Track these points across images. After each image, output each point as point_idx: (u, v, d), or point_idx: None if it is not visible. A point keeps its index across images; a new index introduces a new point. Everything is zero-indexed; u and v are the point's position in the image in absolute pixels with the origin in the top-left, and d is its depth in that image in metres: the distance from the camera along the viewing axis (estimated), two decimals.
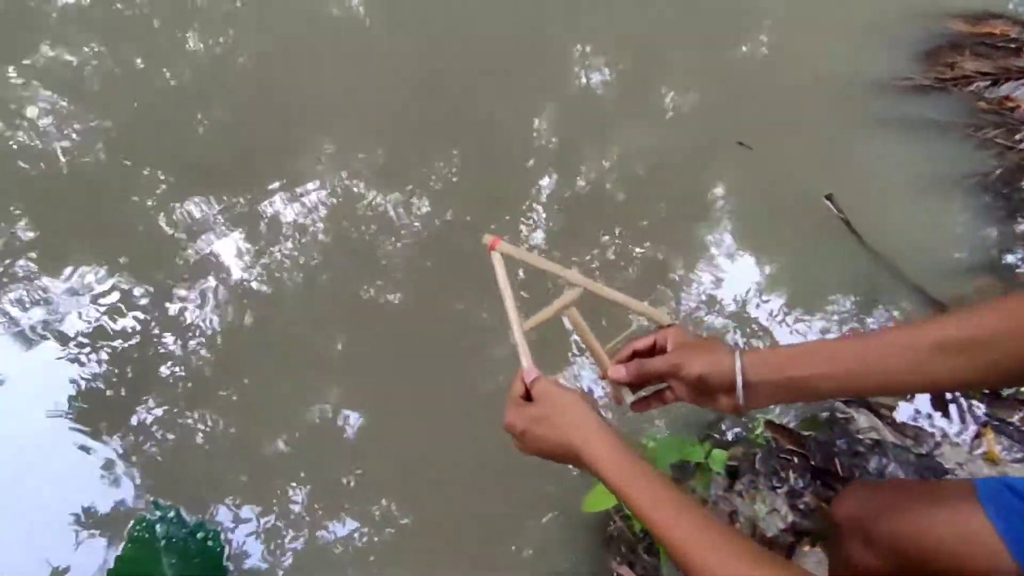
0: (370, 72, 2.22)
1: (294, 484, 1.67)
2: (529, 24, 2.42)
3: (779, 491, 1.53)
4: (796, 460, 1.59)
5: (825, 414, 1.72)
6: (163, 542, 1.40)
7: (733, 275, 2.14)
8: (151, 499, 1.52)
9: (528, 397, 0.86)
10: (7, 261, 1.72)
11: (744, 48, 2.60)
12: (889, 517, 0.86)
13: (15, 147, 1.81)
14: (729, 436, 1.73)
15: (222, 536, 1.49)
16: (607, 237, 2.12)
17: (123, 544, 1.42)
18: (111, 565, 1.39)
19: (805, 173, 2.22)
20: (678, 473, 1.58)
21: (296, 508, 1.65)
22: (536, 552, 1.59)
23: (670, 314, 0.93)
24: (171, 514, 1.44)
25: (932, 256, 2.04)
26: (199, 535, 1.45)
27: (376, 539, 1.66)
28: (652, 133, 2.32)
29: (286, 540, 1.62)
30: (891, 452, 1.54)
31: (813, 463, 1.58)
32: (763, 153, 2.23)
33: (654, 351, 0.90)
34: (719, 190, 2.24)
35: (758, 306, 2.10)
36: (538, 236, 2.07)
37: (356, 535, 1.65)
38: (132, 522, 1.47)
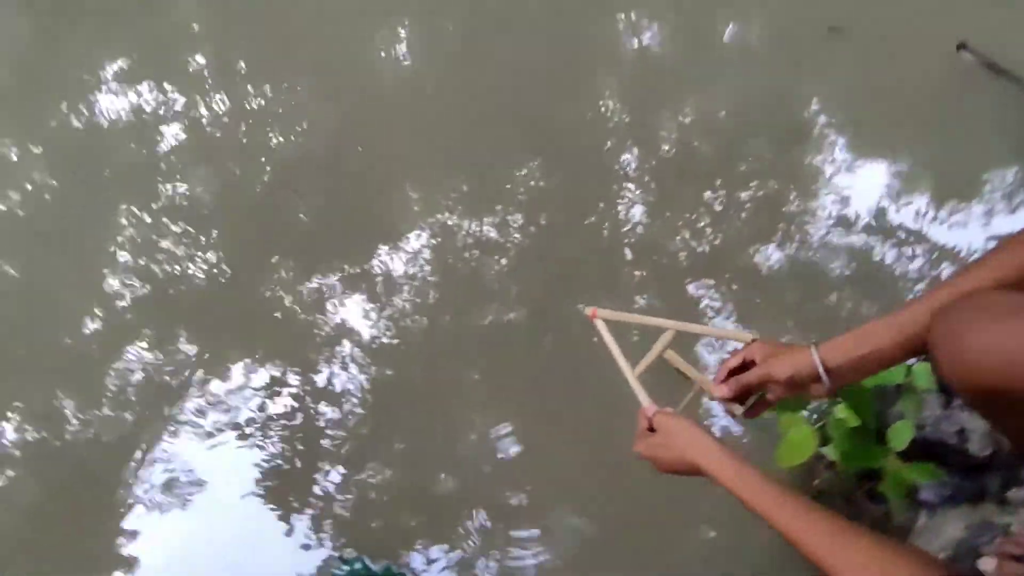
0: (433, 116, 2.30)
1: (471, 514, 1.71)
2: (563, 24, 2.40)
3: None
4: None
5: None
6: None
7: (858, 188, 1.96)
8: (336, 555, 1.63)
9: (652, 428, 1.07)
10: (183, 376, 1.94)
11: None
12: (992, 328, 0.82)
13: (161, 276, 2.05)
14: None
15: None
16: (709, 193, 2.02)
17: None
18: None
19: (917, 38, 1.99)
20: (880, 403, 1.42)
21: (476, 536, 1.69)
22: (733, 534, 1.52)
23: (750, 331, 1.21)
24: (358, 566, 1.52)
25: None
26: None
27: (561, 553, 1.65)
28: (722, 73, 2.20)
29: (475, 569, 1.65)
30: None
31: None
32: (861, 32, 2.02)
33: (745, 366, 1.06)
34: (815, 105, 2.07)
35: (898, 211, 1.90)
36: (636, 212, 2.01)
37: (540, 552, 1.65)
38: None
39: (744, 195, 1.98)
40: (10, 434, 1.87)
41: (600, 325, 1.26)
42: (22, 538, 1.77)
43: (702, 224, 1.96)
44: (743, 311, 1.86)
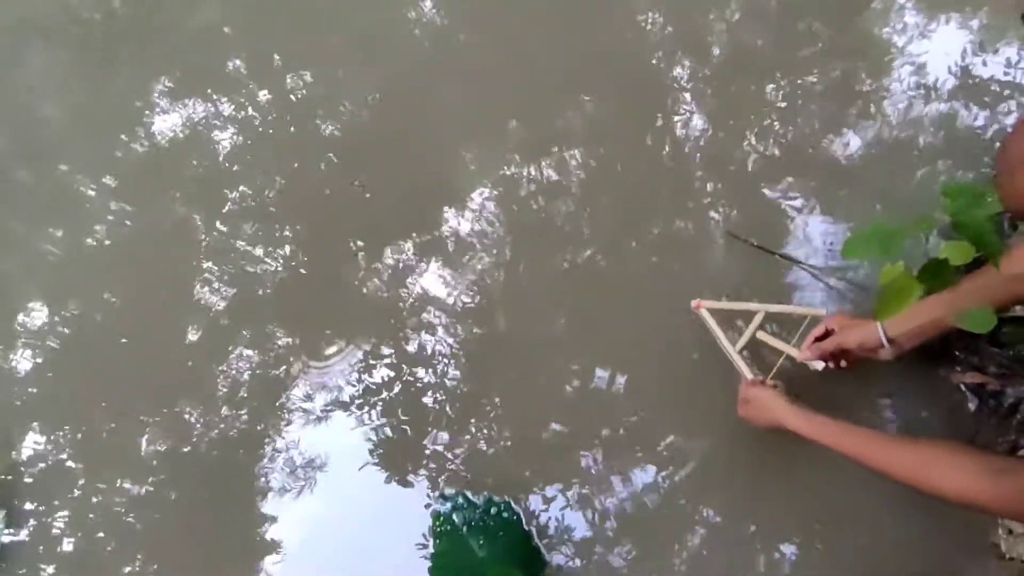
0: (471, 68, 2.26)
1: (582, 453, 1.74)
2: None
3: None
4: None
5: None
6: (464, 528, 1.52)
7: (935, 51, 1.81)
8: (437, 494, 1.68)
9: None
10: (285, 367, 2.02)
11: None
12: None
13: (245, 277, 2.12)
14: None
15: (512, 504, 1.59)
16: (771, 87, 1.91)
17: (433, 542, 1.58)
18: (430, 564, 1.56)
19: None
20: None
21: (592, 472, 1.71)
22: None
23: (824, 307, 1.55)
24: (459, 500, 1.57)
25: None
26: (492, 510, 1.56)
27: (677, 479, 1.65)
28: None
29: (595, 502, 1.68)
30: None
31: None
32: None
33: (827, 334, 1.39)
34: None
35: (986, 63, 1.75)
36: (698, 124, 1.93)
37: (656, 478, 1.66)
38: (431, 521, 1.63)
39: (808, 83, 1.87)
40: (145, 447, 2.01)
41: (704, 314, 1.60)
42: (176, 535, 1.92)
43: (769, 123, 1.86)
44: (828, 205, 1.77)
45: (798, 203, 1.79)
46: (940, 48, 1.81)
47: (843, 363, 1.43)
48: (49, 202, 2.39)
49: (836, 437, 1.13)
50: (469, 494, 1.62)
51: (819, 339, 1.40)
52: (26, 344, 2.24)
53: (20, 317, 2.26)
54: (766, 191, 1.82)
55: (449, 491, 1.70)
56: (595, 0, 2.19)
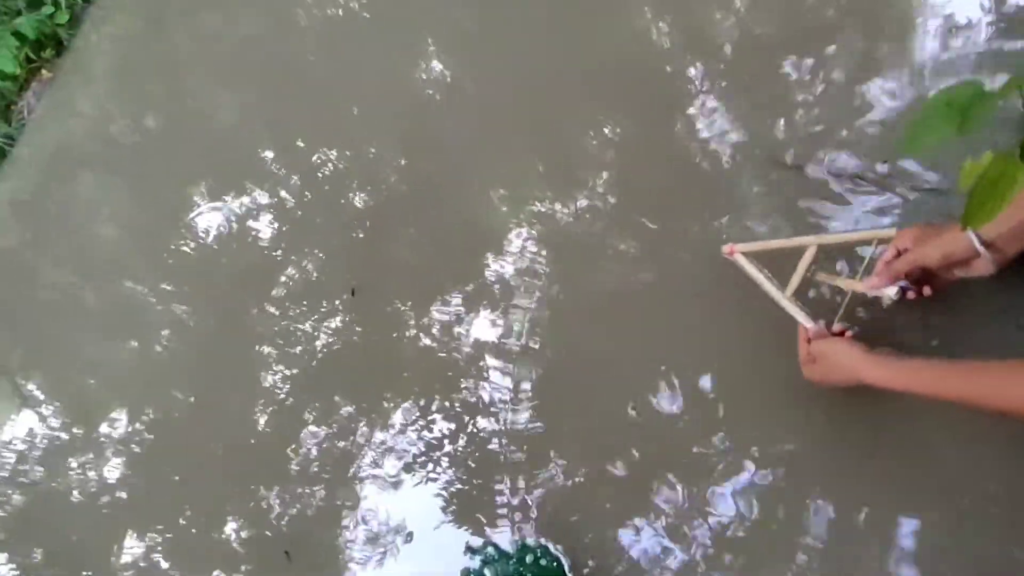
0: (485, 112, 2.28)
1: (665, 478, 1.66)
2: None
3: None
4: None
5: None
6: None
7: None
8: (463, 548, 1.61)
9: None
10: (352, 437, 2.03)
11: None
12: None
13: (302, 354, 2.17)
14: None
15: (551, 547, 1.49)
16: (791, 72, 1.85)
17: None
18: None
19: None
20: None
21: (677, 498, 1.62)
22: None
23: (894, 224, 1.26)
24: (489, 551, 1.45)
25: None
26: (528, 558, 1.43)
27: (769, 487, 1.55)
28: None
29: (684, 530, 1.59)
30: None
31: None
32: None
33: (899, 257, 1.07)
34: None
35: None
36: (722, 123, 1.88)
37: (746, 491, 1.56)
38: None
39: (829, 55, 1.79)
40: (229, 531, 2.05)
41: (740, 259, 1.32)
42: None
43: (799, 105, 1.79)
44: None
45: (848, 195, 1.70)
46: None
47: (926, 289, 1.08)
48: (115, 316, 2.52)
49: (937, 382, 0.89)
50: (500, 543, 1.54)
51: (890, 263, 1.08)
52: (113, 453, 2.34)
53: (103, 427, 2.37)
54: (810, 197, 1.73)
55: (476, 542, 1.62)
56: (590, 19, 2.19)
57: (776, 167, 1.69)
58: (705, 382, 1.68)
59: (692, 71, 1.97)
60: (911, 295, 1.10)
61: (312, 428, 2.09)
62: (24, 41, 3.38)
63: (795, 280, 1.25)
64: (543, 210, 2.06)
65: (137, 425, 2.35)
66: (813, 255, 1.26)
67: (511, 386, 1.89)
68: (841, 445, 1.48)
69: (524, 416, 1.84)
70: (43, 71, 3.46)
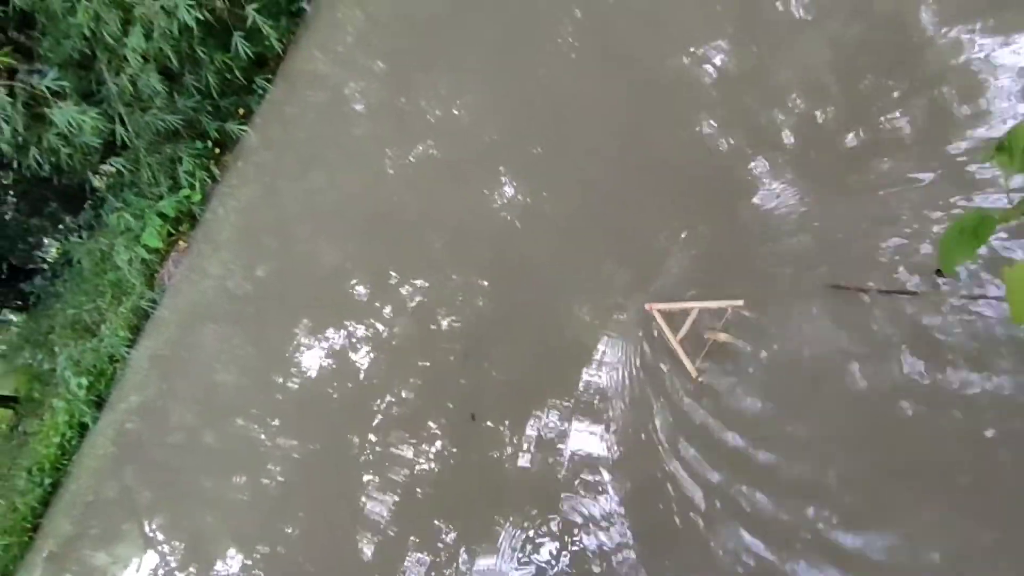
0: (564, 232, 2.34)
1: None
2: (628, 82, 2.42)
3: None
4: None
5: None
6: None
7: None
8: None
9: None
10: (457, 562, 1.98)
11: None
12: None
13: (404, 481, 2.18)
14: None
15: None
16: (888, 81, 1.78)
17: None
18: None
19: None
20: None
21: None
22: None
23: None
24: None
25: None
26: None
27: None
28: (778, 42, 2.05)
29: None
30: None
31: None
32: None
33: None
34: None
35: None
36: (792, 199, 1.84)
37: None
38: None
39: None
40: None
41: (657, 316, 1.84)
42: None
43: (896, 118, 1.74)
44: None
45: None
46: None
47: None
48: (230, 455, 2.68)
49: None
50: None
51: None
52: None
53: (218, 564, 2.44)
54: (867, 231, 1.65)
55: None
56: (658, 131, 2.26)
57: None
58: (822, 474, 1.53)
59: (753, 164, 1.97)
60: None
61: (418, 555, 2.06)
62: (166, 219, 3.93)
63: (682, 332, 1.82)
64: (624, 319, 2.03)
65: (247, 561, 2.41)
66: (695, 314, 1.80)
67: (619, 498, 1.80)
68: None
69: (633, 530, 1.73)
70: (180, 242, 3.98)
